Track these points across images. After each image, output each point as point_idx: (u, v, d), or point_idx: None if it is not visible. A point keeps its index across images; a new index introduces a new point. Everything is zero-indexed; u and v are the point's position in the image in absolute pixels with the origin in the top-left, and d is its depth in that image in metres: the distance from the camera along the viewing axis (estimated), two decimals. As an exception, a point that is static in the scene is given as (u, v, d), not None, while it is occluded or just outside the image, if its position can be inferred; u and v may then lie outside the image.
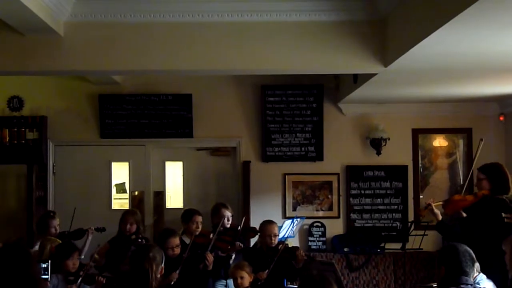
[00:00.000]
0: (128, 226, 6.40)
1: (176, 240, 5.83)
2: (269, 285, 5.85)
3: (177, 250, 5.80)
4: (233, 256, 6.23)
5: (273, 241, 6.15)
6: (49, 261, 4.42)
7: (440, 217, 5.77)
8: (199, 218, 6.36)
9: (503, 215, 5.49)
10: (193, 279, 5.85)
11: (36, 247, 6.04)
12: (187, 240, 6.12)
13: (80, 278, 5.38)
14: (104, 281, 5.41)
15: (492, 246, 5.46)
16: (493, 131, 8.42)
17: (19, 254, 3.66)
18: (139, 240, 6.16)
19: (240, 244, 6.16)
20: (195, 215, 6.38)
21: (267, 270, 5.83)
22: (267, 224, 6.26)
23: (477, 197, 5.65)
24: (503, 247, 4.62)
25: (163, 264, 4.18)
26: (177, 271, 5.62)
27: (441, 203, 5.86)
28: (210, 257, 5.87)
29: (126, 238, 6.36)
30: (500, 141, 8.42)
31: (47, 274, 4.35)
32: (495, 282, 4.93)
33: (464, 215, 5.80)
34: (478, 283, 4.46)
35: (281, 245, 6.04)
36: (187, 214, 6.46)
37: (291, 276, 6.15)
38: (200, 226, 6.33)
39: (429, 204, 5.80)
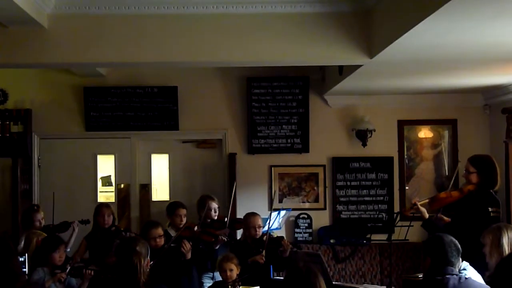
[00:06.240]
0: (106, 218, 6.41)
1: (158, 231, 5.81)
2: (256, 277, 5.84)
3: (160, 241, 5.78)
4: (217, 248, 6.21)
5: (257, 233, 6.16)
6: (26, 254, 4.42)
7: (427, 215, 5.69)
8: (182, 211, 6.35)
9: (490, 209, 5.43)
10: (176, 271, 5.84)
11: (22, 242, 6.01)
12: (173, 233, 6.12)
13: (67, 271, 5.37)
14: (92, 274, 5.39)
15: (479, 241, 5.40)
16: (478, 122, 8.47)
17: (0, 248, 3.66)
18: (124, 233, 6.15)
19: (223, 238, 6.13)
20: (178, 208, 6.37)
21: (263, 251, 5.83)
22: (251, 216, 6.27)
23: (463, 193, 5.58)
24: (481, 240, 4.50)
25: (148, 257, 4.18)
26: (152, 262, 5.59)
27: (426, 200, 5.78)
28: (187, 245, 5.84)
29: (105, 230, 6.35)
30: (485, 132, 8.46)
31: (24, 268, 4.35)
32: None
33: (446, 219, 5.70)
34: (465, 269, 4.45)
35: (265, 236, 6.05)
36: (170, 207, 6.46)
37: (278, 267, 6.16)
38: (184, 219, 6.32)
39: (415, 204, 5.72)
